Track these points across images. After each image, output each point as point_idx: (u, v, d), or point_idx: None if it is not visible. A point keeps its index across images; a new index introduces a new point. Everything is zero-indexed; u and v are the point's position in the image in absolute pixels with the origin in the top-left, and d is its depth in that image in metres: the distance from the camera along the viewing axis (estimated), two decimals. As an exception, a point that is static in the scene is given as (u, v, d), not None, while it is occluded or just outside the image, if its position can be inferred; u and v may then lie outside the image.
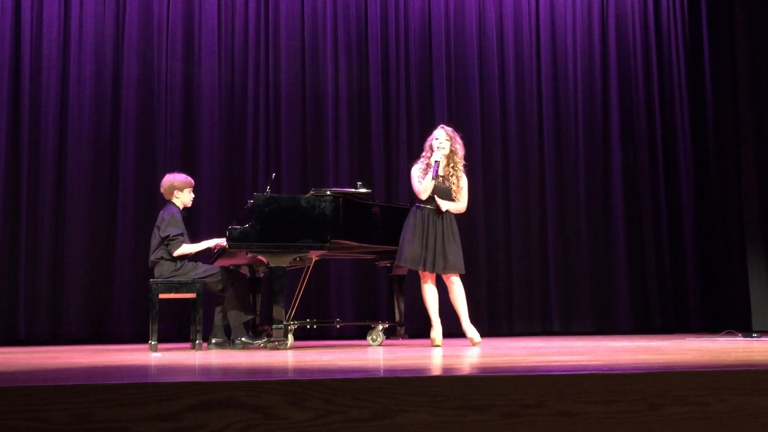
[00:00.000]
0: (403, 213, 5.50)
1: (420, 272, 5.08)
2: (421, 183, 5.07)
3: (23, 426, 1.59)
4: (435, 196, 5.08)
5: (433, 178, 5.03)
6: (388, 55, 7.81)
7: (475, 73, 7.92)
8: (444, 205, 5.08)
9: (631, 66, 8.32)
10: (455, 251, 5.05)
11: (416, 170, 5.18)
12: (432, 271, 5.02)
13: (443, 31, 7.91)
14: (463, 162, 5.21)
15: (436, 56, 7.85)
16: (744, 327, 6.95)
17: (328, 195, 4.99)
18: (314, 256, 5.17)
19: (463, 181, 5.18)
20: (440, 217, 5.07)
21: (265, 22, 7.58)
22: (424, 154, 5.20)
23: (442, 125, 5.30)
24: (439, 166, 5.04)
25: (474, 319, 5.25)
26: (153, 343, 4.92)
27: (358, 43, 7.78)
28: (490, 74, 8.00)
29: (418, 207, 5.13)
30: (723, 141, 7.91)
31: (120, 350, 5.02)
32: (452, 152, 5.14)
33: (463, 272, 5.12)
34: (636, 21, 8.41)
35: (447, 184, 5.14)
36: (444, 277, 5.11)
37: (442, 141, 5.10)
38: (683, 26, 8.50)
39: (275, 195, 5.00)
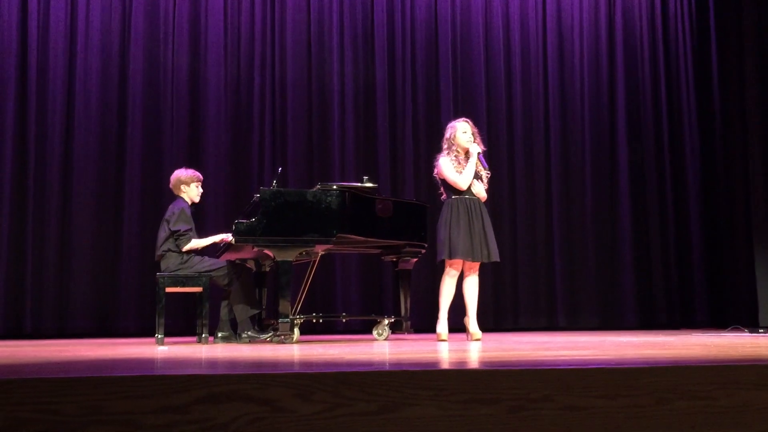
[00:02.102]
0: (410, 207, 5.50)
1: (448, 262, 5.08)
2: (462, 174, 5.11)
3: (33, 418, 1.60)
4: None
5: (484, 168, 5.18)
6: (394, 49, 7.80)
7: (481, 68, 7.91)
8: (479, 187, 5.18)
9: (638, 61, 8.30)
10: (494, 239, 5.15)
11: (448, 162, 5.18)
12: (479, 259, 5.06)
13: (449, 26, 7.90)
14: None
15: (442, 51, 7.84)
16: (750, 322, 6.92)
17: (335, 189, 4.99)
18: (320, 250, 5.17)
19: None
20: (480, 205, 5.14)
21: (272, 16, 7.57)
22: (448, 147, 5.23)
23: (464, 119, 5.36)
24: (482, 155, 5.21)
25: (479, 314, 5.26)
26: (159, 336, 4.93)
27: (364, 38, 7.77)
28: (497, 69, 7.98)
29: (457, 198, 5.13)
30: (730, 136, 7.88)
31: (126, 344, 5.03)
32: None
33: (499, 260, 5.26)
34: (643, 15, 8.38)
35: (478, 170, 5.27)
36: (466, 267, 5.13)
37: (471, 133, 5.21)
38: (690, 18, 8.47)
39: (281, 189, 5.00)
